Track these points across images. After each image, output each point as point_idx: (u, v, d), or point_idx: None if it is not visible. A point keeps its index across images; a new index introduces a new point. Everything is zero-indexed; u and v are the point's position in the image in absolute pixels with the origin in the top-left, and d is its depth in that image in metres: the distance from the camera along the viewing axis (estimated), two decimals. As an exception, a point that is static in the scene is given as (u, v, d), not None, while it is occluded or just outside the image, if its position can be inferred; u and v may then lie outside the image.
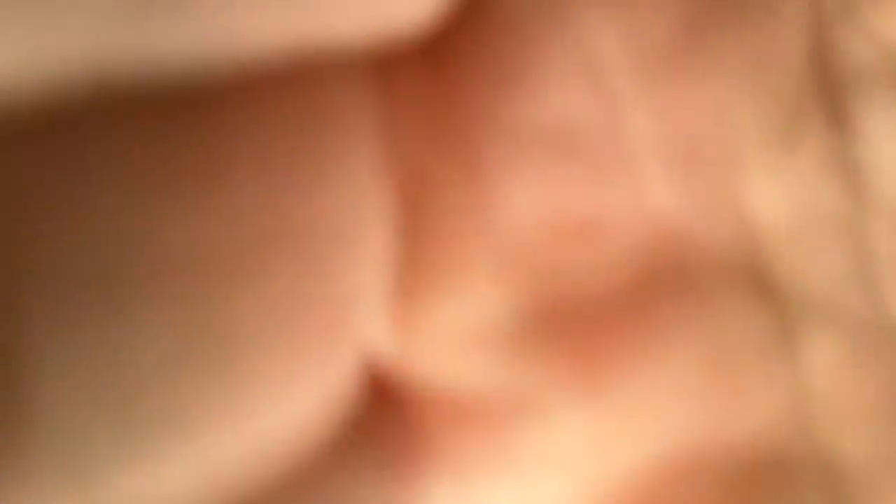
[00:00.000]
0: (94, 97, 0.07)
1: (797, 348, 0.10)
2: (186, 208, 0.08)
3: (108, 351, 0.08)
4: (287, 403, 0.08)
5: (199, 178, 0.08)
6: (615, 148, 0.09)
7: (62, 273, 0.07)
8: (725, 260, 0.10)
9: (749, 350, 0.10)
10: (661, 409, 0.09)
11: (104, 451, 0.08)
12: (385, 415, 0.10)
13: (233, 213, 0.08)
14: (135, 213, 0.08)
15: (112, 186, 0.08)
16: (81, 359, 0.07)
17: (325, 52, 0.08)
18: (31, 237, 0.07)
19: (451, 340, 0.09)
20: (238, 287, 0.08)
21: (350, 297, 0.09)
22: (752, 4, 0.09)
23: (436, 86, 0.09)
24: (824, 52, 0.09)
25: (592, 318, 0.09)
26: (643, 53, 0.09)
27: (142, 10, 0.07)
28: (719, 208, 0.09)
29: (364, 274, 0.09)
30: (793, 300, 0.10)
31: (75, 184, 0.07)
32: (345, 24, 0.08)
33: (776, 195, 0.09)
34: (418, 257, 0.09)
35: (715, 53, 0.09)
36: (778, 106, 0.09)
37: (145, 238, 0.08)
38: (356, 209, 0.08)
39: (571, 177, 0.09)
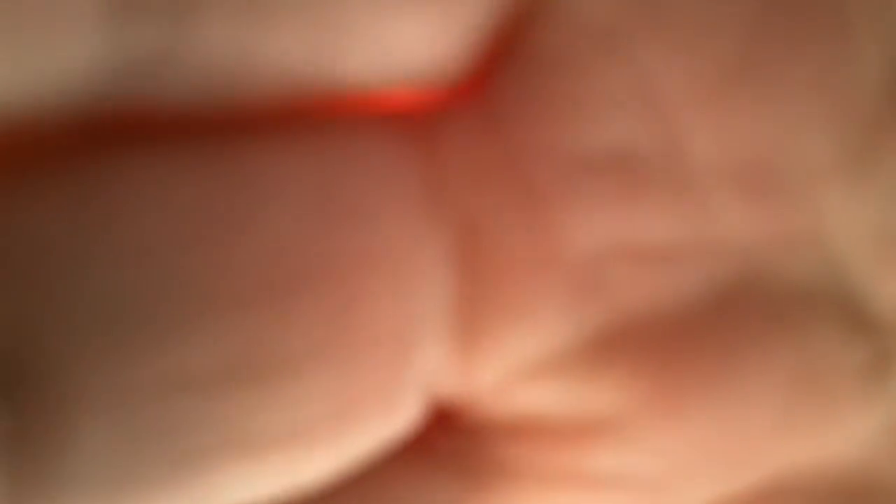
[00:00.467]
0: (125, 128, 0.07)
1: (891, 373, 0.09)
2: (232, 240, 0.08)
3: (153, 382, 0.08)
4: (350, 432, 0.09)
5: (244, 210, 0.08)
6: (680, 175, 0.09)
7: (105, 305, 0.07)
8: (808, 284, 0.09)
9: (840, 375, 0.09)
10: (746, 432, 0.09)
11: (151, 480, 0.08)
12: (457, 441, 0.10)
13: (280, 246, 0.08)
14: (176, 246, 0.08)
15: (154, 219, 0.08)
16: (125, 390, 0.07)
17: (364, 93, 0.08)
18: (77, 268, 0.07)
19: (520, 367, 0.09)
20: (286, 318, 0.08)
21: (408, 330, 0.09)
22: (820, 21, 0.08)
23: (485, 121, 0.09)
24: None
25: (670, 342, 0.09)
26: (704, 80, 0.09)
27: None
28: (797, 234, 0.09)
29: (422, 308, 0.09)
30: (884, 324, 0.09)
31: (118, 216, 0.08)
32: (379, 64, 0.08)
33: (857, 218, 0.09)
34: (482, 289, 0.09)
35: (780, 76, 0.08)
36: (853, 125, 0.09)
37: (189, 270, 0.08)
38: (409, 245, 0.09)
39: (637, 204, 0.09)
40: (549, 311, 0.09)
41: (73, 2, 0.07)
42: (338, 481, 0.09)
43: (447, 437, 0.10)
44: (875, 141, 0.09)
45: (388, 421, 0.09)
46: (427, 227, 0.09)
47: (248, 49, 0.07)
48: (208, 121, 0.08)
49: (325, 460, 0.09)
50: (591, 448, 0.09)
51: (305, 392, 0.08)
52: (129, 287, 0.08)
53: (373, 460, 0.09)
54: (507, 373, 0.09)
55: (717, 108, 0.09)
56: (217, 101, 0.08)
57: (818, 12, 0.08)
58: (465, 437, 0.10)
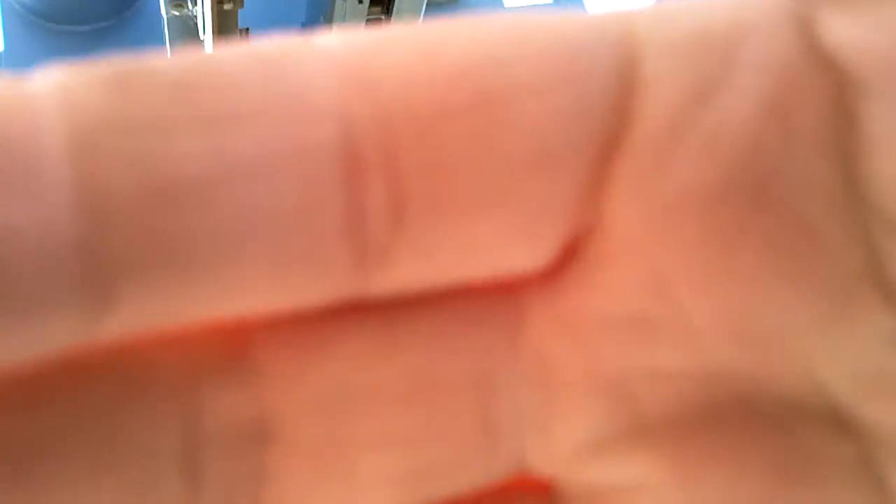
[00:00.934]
0: None
1: (883, 478, 0.11)
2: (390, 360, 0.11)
3: None
4: None
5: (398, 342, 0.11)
6: (684, 332, 0.11)
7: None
8: (795, 399, 0.11)
9: (827, 471, 0.11)
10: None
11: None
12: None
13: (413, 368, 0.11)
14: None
15: None
16: None
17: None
18: None
19: (580, 446, 0.12)
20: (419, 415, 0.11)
21: (500, 417, 0.11)
22: (792, 232, 0.10)
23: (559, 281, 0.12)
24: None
25: (684, 434, 0.11)
26: (708, 267, 0.11)
27: None
28: (784, 369, 0.11)
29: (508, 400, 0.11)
30: (870, 435, 0.11)
31: None
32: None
33: (843, 359, 0.11)
34: (551, 397, 0.12)
35: (762, 268, 0.10)
36: (827, 295, 0.10)
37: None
38: (489, 367, 0.11)
39: (652, 348, 0.11)
40: (597, 410, 0.11)
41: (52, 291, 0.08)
42: None
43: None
44: (849, 305, 0.10)
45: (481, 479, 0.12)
46: (506, 358, 0.11)
47: None
48: None
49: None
50: None
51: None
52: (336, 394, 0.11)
53: None
54: (577, 450, 0.12)
55: (715, 285, 0.11)
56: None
57: (790, 229, 0.10)
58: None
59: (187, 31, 1.42)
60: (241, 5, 1.29)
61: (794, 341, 0.11)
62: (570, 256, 0.11)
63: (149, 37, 1.67)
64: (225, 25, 1.30)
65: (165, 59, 0.09)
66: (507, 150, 0.10)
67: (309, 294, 0.10)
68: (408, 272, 0.10)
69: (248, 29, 1.35)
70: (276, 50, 0.09)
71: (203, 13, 1.30)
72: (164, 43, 1.47)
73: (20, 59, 1.62)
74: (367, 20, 1.39)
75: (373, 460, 0.11)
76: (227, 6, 1.27)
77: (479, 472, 0.11)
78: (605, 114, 0.10)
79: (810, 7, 0.10)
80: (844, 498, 0.11)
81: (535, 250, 0.10)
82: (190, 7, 1.37)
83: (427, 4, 1.42)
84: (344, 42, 0.09)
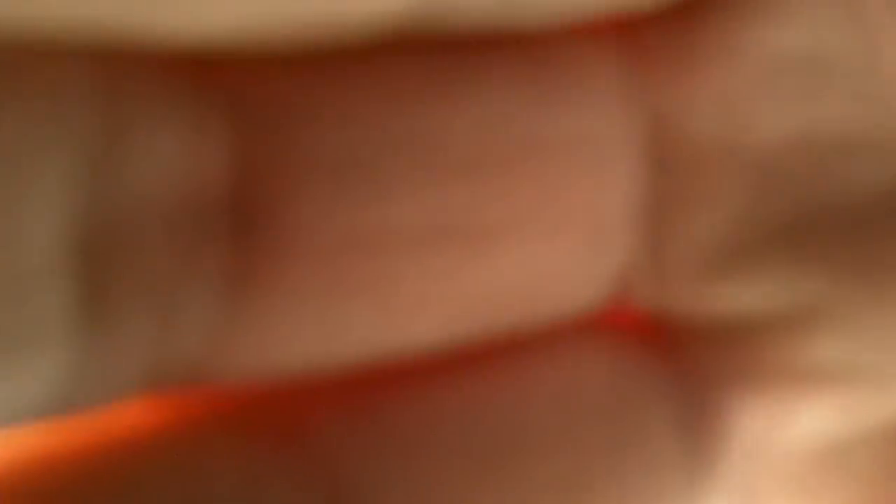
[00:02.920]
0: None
1: None
2: (454, 111, 0.08)
3: (373, 232, 0.08)
4: (536, 306, 0.09)
5: (458, 86, 0.08)
6: (871, 75, 0.09)
7: (339, 154, 0.08)
8: None
9: None
10: None
11: (354, 326, 0.08)
12: (671, 351, 0.10)
13: (496, 122, 0.08)
14: (405, 116, 0.08)
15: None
16: (347, 235, 0.08)
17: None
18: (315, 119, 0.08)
19: (715, 259, 0.09)
20: (497, 189, 0.08)
21: (602, 217, 0.09)
22: None
23: (686, 20, 0.09)
24: None
25: (859, 231, 0.09)
26: None
27: None
28: None
29: (617, 197, 0.09)
30: None
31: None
32: None
33: None
34: (673, 181, 0.10)
35: None
36: None
37: (417, 135, 0.08)
38: (607, 134, 0.09)
39: (823, 102, 0.09)
40: (737, 199, 0.09)
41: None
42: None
43: (657, 350, 0.10)
44: None
45: (572, 303, 0.09)
46: (623, 121, 0.09)
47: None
48: None
49: (508, 321, 0.09)
50: (809, 340, 0.10)
51: (502, 259, 0.09)
52: (357, 144, 0.08)
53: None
54: (703, 265, 0.10)
55: None
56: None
57: None
58: (677, 344, 0.10)
59: None
60: None
61: None
62: None
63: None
64: None
65: None
66: None
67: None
68: None
69: None
70: None
71: None
72: None
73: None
74: None
75: (418, 265, 0.08)
76: None
77: (570, 294, 0.09)
78: None
79: None
80: None
81: None
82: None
83: None
84: None
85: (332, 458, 0.09)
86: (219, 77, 0.08)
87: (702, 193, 0.09)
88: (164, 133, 0.07)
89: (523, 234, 0.09)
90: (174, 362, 0.08)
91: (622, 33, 0.09)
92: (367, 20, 0.07)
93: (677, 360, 0.10)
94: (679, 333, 0.10)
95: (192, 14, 0.06)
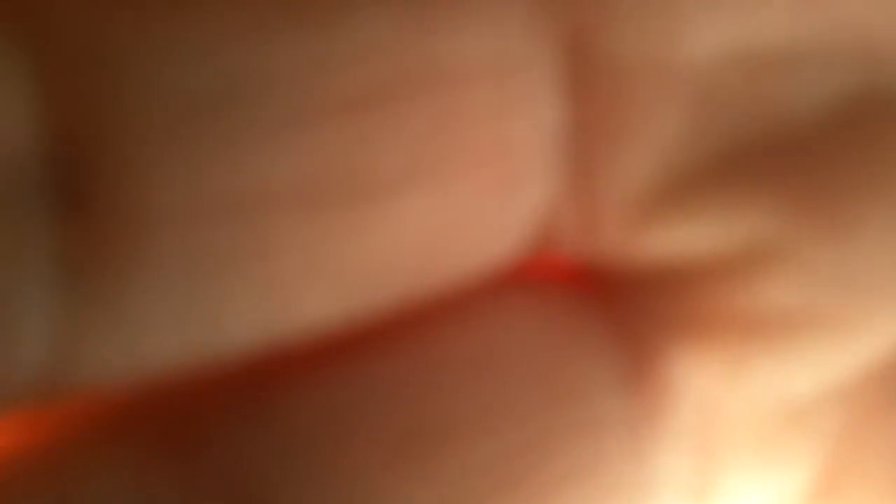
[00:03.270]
0: None
1: None
2: (322, 35, 0.07)
3: (230, 197, 0.07)
4: (442, 264, 0.08)
5: (331, 9, 0.07)
6: None
7: (180, 104, 0.07)
8: None
9: None
10: None
11: (222, 301, 0.07)
12: (604, 299, 0.09)
13: (376, 47, 0.07)
14: (254, 41, 0.07)
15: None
16: (199, 203, 0.07)
17: None
18: (150, 62, 0.07)
19: (649, 197, 0.09)
20: (378, 132, 0.07)
21: (513, 156, 0.08)
22: None
23: None
24: None
25: (804, 156, 0.08)
26: None
27: None
28: None
29: (529, 132, 0.08)
30: None
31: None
32: None
33: None
34: (594, 110, 0.08)
35: None
36: None
37: (267, 70, 0.07)
38: (513, 61, 0.08)
39: (762, 8, 0.08)
40: (669, 125, 0.08)
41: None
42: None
43: (590, 302, 0.09)
44: None
45: (485, 257, 0.08)
46: (530, 42, 0.08)
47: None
48: None
49: (413, 285, 0.08)
50: (758, 284, 0.09)
51: (397, 216, 0.08)
52: (205, 85, 0.07)
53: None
54: (635, 204, 0.09)
55: None
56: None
57: None
58: (613, 294, 0.09)
59: None
60: None
61: None
62: None
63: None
64: None
65: None
66: None
67: None
68: None
69: None
70: None
71: None
72: None
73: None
74: None
75: (298, 229, 0.07)
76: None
77: (480, 248, 0.08)
78: None
79: None
80: None
81: None
82: None
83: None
84: None
85: (229, 460, 0.08)
86: (17, 3, 0.06)
87: (628, 122, 0.08)
88: None
89: (419, 182, 0.08)
90: (20, 374, 0.07)
91: None
92: None
93: (614, 310, 0.09)
94: (614, 282, 0.09)
95: None
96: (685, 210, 0.09)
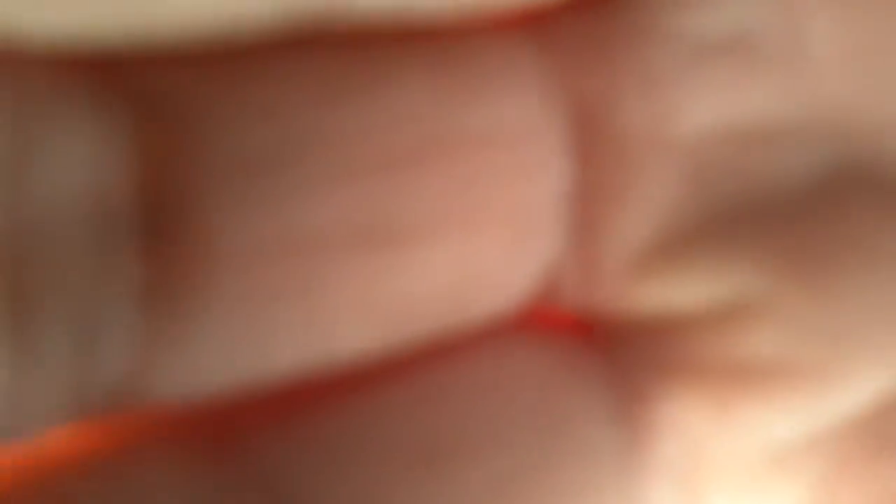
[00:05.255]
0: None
1: None
2: (365, 108, 0.08)
3: (287, 238, 0.08)
4: (463, 307, 0.09)
5: (371, 82, 0.08)
6: (796, 58, 0.09)
7: (247, 155, 0.08)
8: None
9: None
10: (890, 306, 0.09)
11: (277, 334, 0.08)
12: (599, 347, 0.10)
13: (409, 117, 0.08)
14: (314, 109, 0.08)
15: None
16: (260, 243, 0.08)
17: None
18: (223, 119, 0.08)
19: (644, 254, 0.09)
20: (412, 187, 0.08)
21: (526, 214, 0.09)
22: None
23: (604, 6, 0.09)
24: None
25: (789, 218, 0.09)
26: None
27: None
28: None
29: (540, 193, 0.09)
30: None
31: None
32: None
33: None
34: (598, 174, 0.09)
35: None
36: None
37: (325, 134, 0.08)
38: (527, 129, 0.09)
39: (749, 86, 0.09)
40: (665, 191, 0.09)
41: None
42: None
43: (587, 346, 0.10)
44: None
45: (497, 302, 0.09)
46: (544, 112, 0.09)
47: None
48: None
49: (436, 323, 0.09)
50: (743, 335, 0.09)
51: (427, 261, 0.09)
52: (271, 144, 0.08)
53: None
54: (632, 261, 0.10)
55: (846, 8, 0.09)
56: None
57: None
58: (608, 341, 0.10)
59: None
60: None
61: None
62: None
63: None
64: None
65: None
66: None
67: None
68: None
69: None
70: None
71: None
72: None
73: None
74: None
75: (341, 268, 0.08)
76: None
77: (494, 294, 0.09)
78: None
79: None
80: None
81: None
82: None
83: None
84: None
85: (270, 470, 0.09)
86: (121, 75, 0.08)
87: (628, 186, 0.09)
88: (64, 135, 0.07)
89: (444, 232, 0.09)
90: (101, 385, 0.08)
91: (539, 23, 0.09)
92: (246, 13, 0.07)
93: (608, 355, 0.10)
94: (610, 330, 0.10)
95: (73, 13, 0.06)
96: (678, 266, 0.10)
